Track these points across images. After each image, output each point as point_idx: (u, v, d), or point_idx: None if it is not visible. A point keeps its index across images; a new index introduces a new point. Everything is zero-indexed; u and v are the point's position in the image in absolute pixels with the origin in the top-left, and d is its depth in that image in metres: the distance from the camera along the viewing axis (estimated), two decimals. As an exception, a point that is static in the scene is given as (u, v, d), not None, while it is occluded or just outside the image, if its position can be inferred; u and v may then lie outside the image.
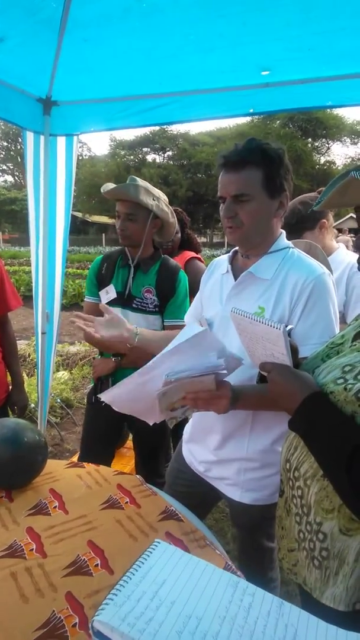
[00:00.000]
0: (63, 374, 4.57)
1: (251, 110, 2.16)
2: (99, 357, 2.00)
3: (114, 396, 1.15)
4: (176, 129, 35.01)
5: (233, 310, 1.01)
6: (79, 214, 35.74)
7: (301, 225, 1.93)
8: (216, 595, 0.59)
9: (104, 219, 37.87)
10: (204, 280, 1.48)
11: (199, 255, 2.72)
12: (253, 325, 0.96)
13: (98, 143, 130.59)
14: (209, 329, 1.07)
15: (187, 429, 1.52)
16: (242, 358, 1.11)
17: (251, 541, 1.43)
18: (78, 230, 38.29)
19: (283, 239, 1.29)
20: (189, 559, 0.68)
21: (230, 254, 1.40)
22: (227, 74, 2.04)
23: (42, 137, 2.40)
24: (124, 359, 1.85)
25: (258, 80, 2.02)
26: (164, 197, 1.87)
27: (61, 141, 2.48)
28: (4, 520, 1.13)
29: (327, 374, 0.91)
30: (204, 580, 0.62)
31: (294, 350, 0.97)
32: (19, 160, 52.87)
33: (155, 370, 1.05)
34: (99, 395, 1.21)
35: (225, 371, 1.08)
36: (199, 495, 1.45)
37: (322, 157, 33.96)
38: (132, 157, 37.51)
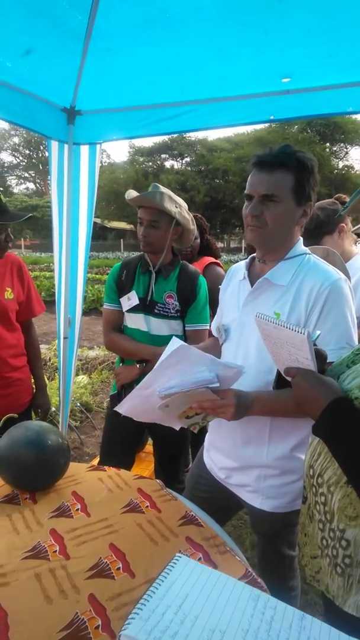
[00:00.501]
0: (82, 378, 4.62)
1: (271, 117, 2.17)
2: (119, 363, 2.02)
3: (128, 408, 1.21)
4: (194, 135, 35.26)
5: (258, 315, 1.02)
6: (98, 220, 36.13)
7: (320, 230, 1.92)
8: (238, 609, 0.59)
9: (122, 225, 38.25)
10: (223, 287, 1.50)
11: (218, 261, 2.73)
12: (277, 330, 0.97)
13: (117, 150, 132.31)
14: (185, 344, 1.09)
15: (208, 436, 1.52)
16: (243, 366, 1.13)
17: (272, 549, 1.42)
18: (97, 235, 38.66)
19: (300, 246, 1.30)
20: (210, 572, 0.69)
21: (247, 260, 1.41)
22: (247, 81, 2.06)
23: (66, 146, 2.46)
24: (148, 365, 1.86)
25: (278, 87, 2.03)
26: (184, 205, 1.89)
27: (84, 150, 2.53)
28: (28, 522, 1.15)
29: (352, 380, 0.90)
30: (226, 594, 0.62)
31: (321, 356, 0.97)
32: (41, 168, 53.94)
33: (152, 386, 1.11)
34: (116, 409, 1.26)
35: (217, 384, 1.09)
36: (219, 502, 1.44)
37: (340, 162, 33.65)
38: (150, 163, 37.85)
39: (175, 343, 1.10)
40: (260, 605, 0.62)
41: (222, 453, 1.41)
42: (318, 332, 1.07)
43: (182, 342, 1.10)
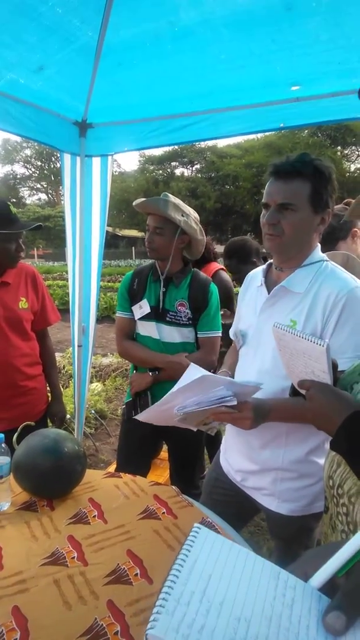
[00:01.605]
0: (96, 386, 4.65)
1: (282, 125, 2.19)
2: (133, 371, 2.04)
3: (146, 417, 1.27)
4: (204, 142, 35.35)
5: (275, 325, 1.01)
6: (110, 228, 36.43)
7: (334, 236, 1.92)
8: (260, 591, 0.58)
9: (133, 233, 38.50)
10: (241, 292, 1.52)
11: (222, 266, 2.78)
12: (295, 340, 0.95)
13: (128, 159, 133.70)
14: (205, 374, 1.10)
15: (225, 439, 1.53)
16: (262, 383, 1.14)
17: (289, 553, 1.42)
18: (108, 244, 38.94)
19: (318, 252, 1.30)
20: (231, 546, 0.67)
21: (264, 266, 1.42)
22: (257, 90, 2.08)
23: (78, 159, 2.51)
24: (161, 373, 1.88)
25: (288, 95, 2.05)
26: (194, 215, 1.91)
27: (96, 162, 2.58)
28: (46, 528, 1.17)
29: None
30: (248, 572, 0.61)
31: (333, 366, 0.96)
32: (53, 178, 54.68)
33: (171, 403, 1.14)
34: (136, 417, 1.31)
35: (234, 402, 1.11)
36: (236, 505, 1.45)
37: (352, 165, 33.43)
38: (160, 171, 38.08)
39: (195, 372, 1.11)
40: (280, 586, 0.61)
41: (239, 456, 1.42)
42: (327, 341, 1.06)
43: (201, 371, 1.11)
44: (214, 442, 3.04)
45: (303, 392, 0.97)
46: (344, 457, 0.88)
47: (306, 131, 29.44)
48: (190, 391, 1.12)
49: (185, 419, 1.18)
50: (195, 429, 1.28)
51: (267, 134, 31.73)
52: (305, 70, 1.92)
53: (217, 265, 2.77)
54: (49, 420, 2.05)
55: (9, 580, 0.98)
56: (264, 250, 2.81)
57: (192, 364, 1.20)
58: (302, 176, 1.19)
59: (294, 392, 1.18)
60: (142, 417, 1.28)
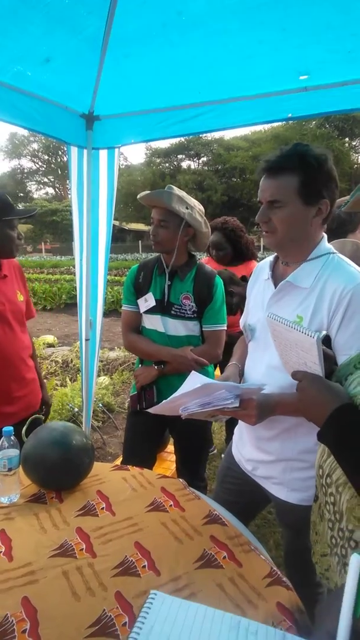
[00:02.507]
0: (104, 379, 4.67)
1: (289, 115, 2.15)
2: (139, 364, 2.04)
3: (157, 411, 1.30)
4: (211, 135, 35.14)
5: (269, 316, 1.03)
6: (116, 222, 36.44)
7: (343, 229, 1.90)
8: None
9: (140, 226, 38.47)
10: (250, 284, 1.51)
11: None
12: (288, 331, 0.96)
13: (134, 152, 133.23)
14: (209, 382, 1.14)
15: (237, 428, 1.55)
16: (265, 384, 1.18)
17: (298, 543, 1.43)
18: (115, 238, 38.98)
19: (324, 244, 1.27)
20: (188, 606, 0.69)
21: (272, 258, 1.41)
22: (265, 79, 2.04)
23: (85, 151, 2.49)
24: (166, 367, 1.88)
25: (296, 84, 2.01)
26: (198, 207, 1.89)
27: (103, 154, 2.56)
28: (55, 520, 1.18)
29: (357, 385, 0.89)
30: (207, 628, 0.62)
31: (330, 359, 0.96)
32: (60, 172, 54.73)
33: (176, 402, 1.19)
34: (148, 410, 1.36)
35: (236, 404, 1.16)
36: (247, 494, 1.47)
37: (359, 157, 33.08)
38: (167, 164, 37.96)
39: (197, 380, 1.16)
40: (242, 635, 0.62)
41: (250, 446, 1.43)
42: (324, 332, 1.05)
43: (201, 379, 1.16)
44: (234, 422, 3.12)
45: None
46: (330, 449, 0.88)
47: (314, 122, 29.14)
48: (194, 395, 1.15)
49: (192, 415, 1.21)
50: (203, 419, 1.31)
51: (274, 125, 31.51)
52: (314, 59, 1.88)
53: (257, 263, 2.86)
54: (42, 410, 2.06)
55: (18, 571, 0.99)
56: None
57: (193, 372, 1.25)
58: (288, 170, 1.17)
59: None
60: (153, 410, 1.32)
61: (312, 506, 1.07)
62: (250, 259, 2.98)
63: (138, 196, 1.88)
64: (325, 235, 1.29)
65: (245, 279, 2.47)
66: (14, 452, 1.25)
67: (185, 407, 1.17)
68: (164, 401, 1.24)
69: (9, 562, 1.02)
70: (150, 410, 1.33)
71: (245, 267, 2.89)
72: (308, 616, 0.92)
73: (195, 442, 2.06)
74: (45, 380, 2.18)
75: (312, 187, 1.18)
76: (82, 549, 1.07)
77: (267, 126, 33.08)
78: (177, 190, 1.83)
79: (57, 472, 1.28)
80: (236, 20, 1.70)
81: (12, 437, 1.26)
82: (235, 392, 1.16)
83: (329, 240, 1.31)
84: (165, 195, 1.78)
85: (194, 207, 1.85)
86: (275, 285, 1.31)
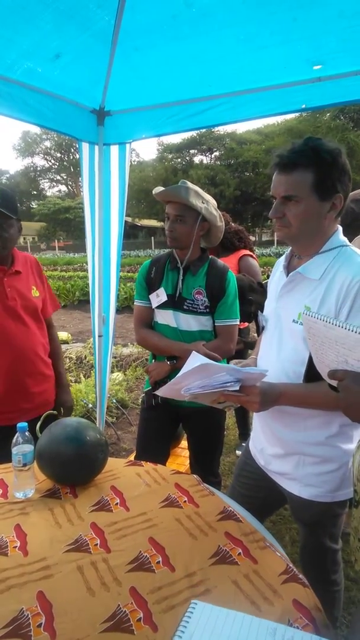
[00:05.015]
0: (117, 375, 4.69)
1: (303, 106, 2.11)
2: (152, 359, 2.04)
3: (164, 393, 1.33)
4: (223, 129, 34.91)
5: (305, 313, 0.98)
6: (129, 219, 36.55)
7: (357, 223, 1.87)
8: None
9: (152, 223, 38.52)
10: (270, 277, 1.53)
11: (251, 253, 2.84)
12: (327, 328, 0.91)
13: (146, 148, 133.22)
14: (205, 362, 1.16)
15: (253, 422, 1.54)
16: (267, 370, 1.19)
17: (313, 539, 1.41)
18: (127, 234, 39.14)
19: (338, 237, 1.26)
20: (227, 614, 0.71)
21: (288, 252, 1.40)
22: (278, 71, 2.01)
23: (96, 147, 2.49)
24: (178, 361, 1.87)
25: (310, 75, 1.98)
26: (213, 202, 1.88)
27: (114, 150, 2.56)
28: (69, 515, 1.19)
29: None
30: (244, 635, 0.62)
31: None
32: (72, 170, 55.01)
33: (181, 384, 1.21)
34: (156, 392, 1.42)
35: (236, 387, 1.16)
36: (264, 489, 1.46)
37: (376, 148, 32.47)
38: (179, 159, 37.81)
39: (195, 360, 1.17)
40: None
41: (263, 439, 1.43)
42: None
43: (201, 359, 1.17)
44: (245, 416, 3.11)
45: (333, 382, 0.93)
46: None
47: (328, 114, 28.65)
48: (195, 376, 1.17)
49: (196, 397, 1.22)
50: (208, 404, 1.32)
51: (287, 118, 31.12)
52: (327, 48, 1.84)
53: (244, 251, 2.86)
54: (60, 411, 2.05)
55: (33, 566, 1.00)
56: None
57: (193, 352, 1.26)
58: (302, 166, 1.16)
59: (307, 377, 1.19)
60: (160, 392, 1.35)
61: (352, 512, 1.04)
62: (239, 249, 2.91)
63: (154, 192, 1.86)
64: (340, 228, 1.28)
65: (261, 285, 2.45)
66: (29, 448, 1.26)
67: (187, 387, 1.18)
68: (168, 382, 1.26)
69: (24, 556, 1.03)
70: (157, 392, 1.37)
71: (235, 257, 2.86)
72: (325, 614, 0.90)
73: (208, 439, 2.05)
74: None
75: (327, 183, 1.17)
76: (97, 544, 1.07)
77: (280, 119, 32.71)
78: (191, 185, 1.82)
79: (72, 468, 1.28)
80: (246, 11, 1.67)
81: (27, 433, 1.27)
82: (236, 375, 1.16)
83: (345, 235, 1.29)
84: (182, 190, 1.77)
85: (209, 202, 1.85)
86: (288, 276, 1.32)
